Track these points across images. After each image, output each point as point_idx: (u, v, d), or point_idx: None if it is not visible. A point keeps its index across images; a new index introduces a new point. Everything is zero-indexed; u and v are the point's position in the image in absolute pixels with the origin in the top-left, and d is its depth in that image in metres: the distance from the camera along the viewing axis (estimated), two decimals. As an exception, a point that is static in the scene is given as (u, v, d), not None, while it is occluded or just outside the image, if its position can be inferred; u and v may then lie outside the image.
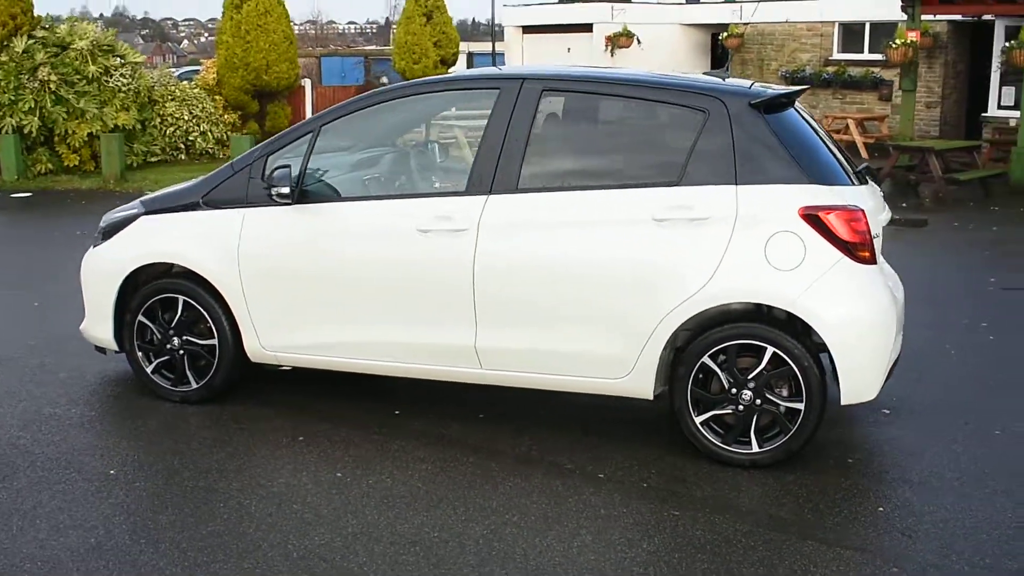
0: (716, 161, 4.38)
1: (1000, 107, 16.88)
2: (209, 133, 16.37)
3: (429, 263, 4.65)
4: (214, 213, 5.03)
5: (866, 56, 19.99)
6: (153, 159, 15.68)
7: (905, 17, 15.43)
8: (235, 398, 5.22)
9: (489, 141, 4.62)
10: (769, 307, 4.36)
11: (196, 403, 5.17)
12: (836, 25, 20.35)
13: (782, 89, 4.65)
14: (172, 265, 5.15)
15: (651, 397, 4.54)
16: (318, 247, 4.84)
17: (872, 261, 4.35)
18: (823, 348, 4.34)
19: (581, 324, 4.50)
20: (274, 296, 4.92)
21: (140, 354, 5.24)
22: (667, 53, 22.19)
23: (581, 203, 4.51)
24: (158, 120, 15.78)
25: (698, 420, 4.46)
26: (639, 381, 4.49)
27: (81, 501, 4.09)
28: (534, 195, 4.55)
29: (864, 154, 17.03)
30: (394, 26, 20.97)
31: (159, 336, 5.18)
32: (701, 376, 4.43)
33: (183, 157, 16.16)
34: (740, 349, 4.37)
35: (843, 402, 4.35)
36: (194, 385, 5.18)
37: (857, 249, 4.28)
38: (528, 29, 22.78)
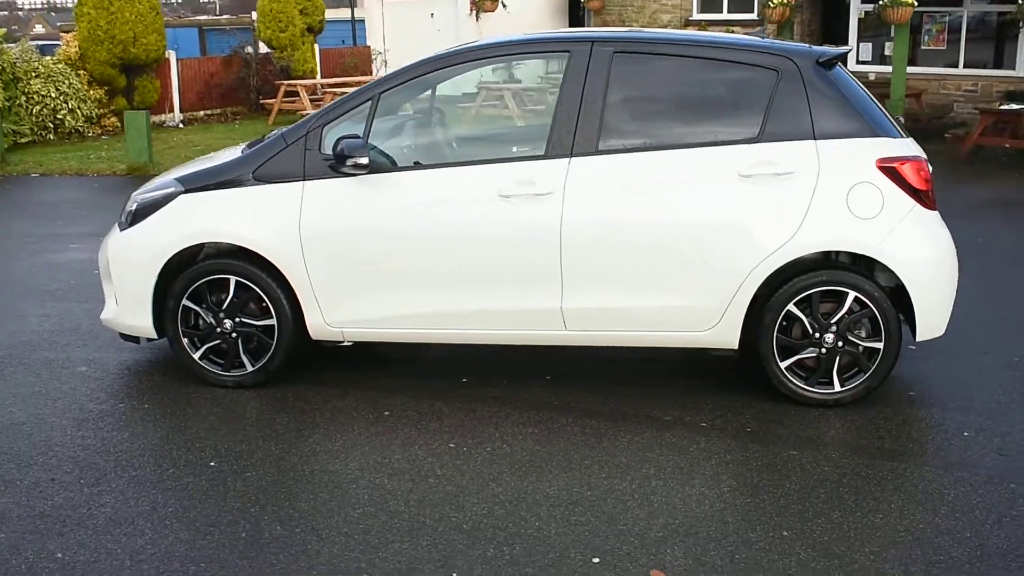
0: (792, 118, 4.56)
1: (859, 62, 17.99)
2: (78, 110, 15.30)
3: (513, 228, 4.63)
4: (268, 188, 4.81)
5: (725, 16, 20.82)
6: (23, 140, 14.52)
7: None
8: (284, 380, 5.04)
9: (565, 104, 4.63)
10: (852, 254, 4.60)
11: (250, 387, 4.97)
12: (695, -14, 21.07)
13: (838, 49, 4.88)
14: (218, 245, 4.90)
15: (735, 347, 4.71)
16: (390, 217, 4.72)
17: (935, 207, 4.66)
18: (895, 290, 4.63)
19: (669, 281, 4.61)
20: (341, 270, 4.77)
21: (186, 340, 4.97)
22: (532, 16, 22.36)
23: (665, 163, 4.59)
24: (23, 99, 14.61)
25: (783, 365, 4.67)
26: (725, 332, 4.65)
27: (202, 496, 3.88)
28: (617, 156, 4.61)
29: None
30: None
31: (208, 320, 4.92)
32: (785, 323, 4.64)
33: (52, 137, 15.05)
34: (823, 295, 4.60)
35: (918, 339, 4.66)
36: (249, 368, 4.96)
37: (925, 196, 4.58)
38: (389, -7, 22.37)
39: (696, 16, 21.24)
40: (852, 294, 4.56)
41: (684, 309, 4.64)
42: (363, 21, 23.90)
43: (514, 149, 4.78)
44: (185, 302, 4.91)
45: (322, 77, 19.92)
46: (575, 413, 4.67)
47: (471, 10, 21.03)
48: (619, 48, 4.69)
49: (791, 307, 4.59)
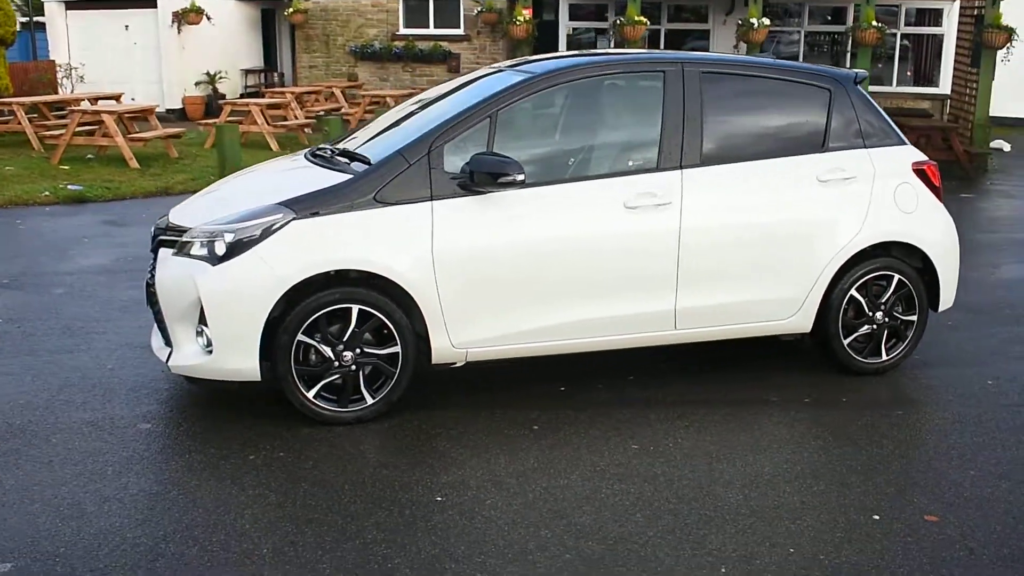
0: (846, 130, 5.33)
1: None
2: None
3: (638, 237, 4.92)
4: (394, 210, 4.66)
5: (432, 31, 21.56)
6: None
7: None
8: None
9: (671, 119, 5.02)
10: (896, 243, 5.45)
11: (368, 422, 4.77)
12: (400, 1, 21.56)
13: (863, 71, 5.72)
14: (341, 273, 4.63)
15: (809, 330, 5.39)
16: (519, 233, 4.79)
17: (942, 201, 5.68)
18: (919, 271, 5.56)
19: (764, 276, 5.17)
20: (471, 289, 4.75)
21: (298, 379, 4.65)
22: (233, 28, 21.57)
23: (758, 171, 5.15)
24: None
25: (845, 342, 5.42)
26: (803, 318, 5.31)
27: (408, 526, 3.80)
28: (719, 167, 5.08)
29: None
30: None
31: (325, 354, 4.64)
32: (846, 306, 5.39)
33: None
34: (876, 279, 5.41)
35: (940, 309, 5.64)
36: (370, 401, 4.75)
37: (940, 192, 5.57)
38: (73, 4, 20.37)
39: (403, 31, 21.77)
40: (897, 276, 5.43)
41: (776, 300, 5.22)
42: (43, 30, 21.51)
43: (630, 162, 5.05)
44: (300, 336, 4.60)
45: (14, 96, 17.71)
46: (686, 405, 5.06)
47: (174, 21, 19.83)
48: (705, 69, 5.16)
49: (853, 292, 5.36)
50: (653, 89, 5.09)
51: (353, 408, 4.74)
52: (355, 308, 4.64)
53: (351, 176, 4.76)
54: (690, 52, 5.81)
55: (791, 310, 5.27)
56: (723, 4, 18.64)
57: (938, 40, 18.83)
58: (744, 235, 5.10)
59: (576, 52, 5.73)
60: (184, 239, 4.75)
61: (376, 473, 4.26)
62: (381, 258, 4.62)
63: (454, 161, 4.76)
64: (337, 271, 4.62)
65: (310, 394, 4.68)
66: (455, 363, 4.93)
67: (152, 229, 5.21)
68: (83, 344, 5.93)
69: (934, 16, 18.64)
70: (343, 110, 18.80)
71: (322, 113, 17.95)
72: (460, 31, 21.41)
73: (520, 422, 4.81)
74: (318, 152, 5.51)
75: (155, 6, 19.87)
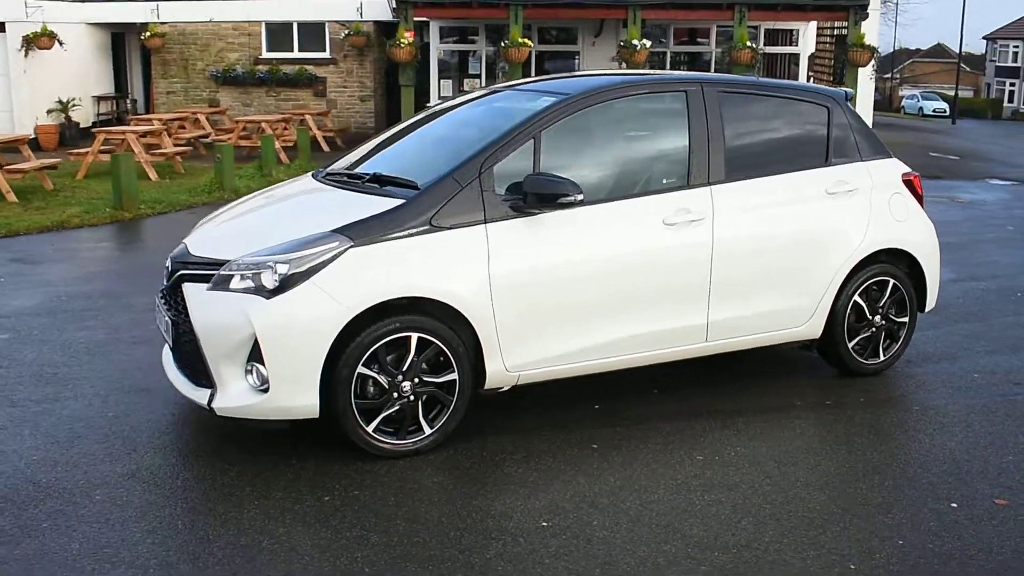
0: (844, 144, 5.64)
1: (440, 97, 19.63)
2: None
3: (677, 252, 5.04)
4: (450, 234, 4.58)
5: (296, 55, 21.13)
6: None
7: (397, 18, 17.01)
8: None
9: (697, 137, 5.17)
10: (892, 249, 5.78)
11: (425, 453, 4.65)
12: (263, 25, 21.04)
13: (849, 90, 6.06)
14: (400, 301, 4.51)
15: (818, 336, 5.64)
16: (569, 252, 4.81)
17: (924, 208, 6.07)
18: (908, 274, 5.92)
19: (782, 286, 5.39)
20: (526, 311, 4.72)
21: (359, 413, 4.48)
22: (82, 52, 20.44)
23: (776, 185, 5.37)
24: None
25: (851, 345, 5.71)
26: (814, 325, 5.56)
27: (532, 554, 3.76)
28: (742, 183, 5.26)
29: (325, 147, 18.20)
30: None
31: (383, 385, 4.50)
32: (849, 311, 5.69)
33: None
34: (874, 284, 5.74)
35: (926, 310, 6.02)
36: (427, 432, 4.64)
37: (922, 200, 5.96)
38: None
39: (265, 55, 21.27)
40: (892, 281, 5.77)
41: (794, 309, 5.45)
42: None
43: (663, 180, 5.15)
44: (360, 368, 4.44)
45: None
46: (726, 414, 5.21)
47: (22, 46, 18.60)
48: (722, 88, 5.35)
49: (856, 297, 5.66)
50: (678, 109, 5.22)
51: (411, 440, 4.61)
52: (414, 336, 4.52)
53: (402, 200, 4.64)
54: (701, 72, 5.99)
55: (805, 318, 5.50)
56: (592, 27, 19.18)
57: (794, 58, 20.02)
58: (767, 247, 5.31)
59: (586, 72, 5.88)
60: (223, 272, 4.50)
61: (468, 503, 4.17)
62: (442, 284, 4.53)
63: (501, 183, 4.73)
64: (398, 299, 4.49)
65: (370, 428, 4.52)
66: (502, 388, 4.89)
67: (168, 263, 4.91)
68: (66, 391, 5.49)
69: (789, 36, 19.83)
70: (212, 137, 18.16)
71: (190, 140, 17.28)
72: (326, 54, 21.13)
73: (578, 442, 4.81)
74: (333, 175, 5.36)
75: (3, 30, 18.58)
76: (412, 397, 4.57)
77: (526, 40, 15.70)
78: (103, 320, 6.95)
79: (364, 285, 4.42)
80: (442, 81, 19.87)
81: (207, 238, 4.97)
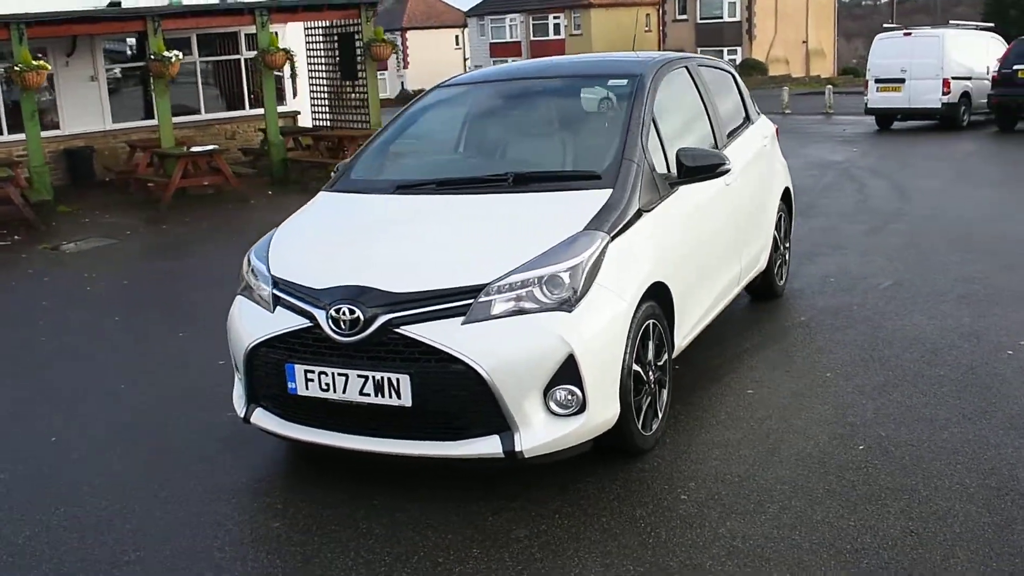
0: (745, 105, 6.67)
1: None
2: None
3: (733, 207, 5.67)
4: (651, 216, 4.57)
5: None
6: None
7: None
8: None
9: (709, 105, 5.78)
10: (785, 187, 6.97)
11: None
12: None
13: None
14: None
15: (764, 269, 6.64)
16: (702, 220, 5.17)
17: None
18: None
19: (762, 226, 6.38)
20: (688, 282, 4.89)
21: (635, 410, 4.30)
22: None
23: (746, 142, 6.21)
24: None
25: (775, 272, 6.85)
26: (764, 259, 6.52)
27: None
28: (733, 143, 5.97)
29: None
30: None
31: (641, 377, 4.34)
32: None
33: None
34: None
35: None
36: (660, 417, 4.58)
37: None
38: None
39: None
40: (783, 214, 7.01)
41: (763, 246, 6.36)
42: None
43: (707, 145, 5.51)
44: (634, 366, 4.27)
45: None
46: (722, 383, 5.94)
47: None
48: (697, 63, 6.01)
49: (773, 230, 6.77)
50: (688, 81, 5.72)
51: (651, 432, 4.48)
52: (651, 323, 4.45)
53: (608, 190, 4.46)
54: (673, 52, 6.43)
55: (764, 254, 6.45)
56: (63, 45, 17.00)
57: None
58: (756, 194, 6.15)
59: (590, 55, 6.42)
60: (481, 300, 3.92)
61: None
62: (661, 266, 4.54)
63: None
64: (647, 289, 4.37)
65: (639, 425, 4.35)
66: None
67: (323, 313, 4.03)
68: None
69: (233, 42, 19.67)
70: None
71: None
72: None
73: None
74: (415, 184, 4.96)
75: None
76: (655, 384, 4.50)
77: (42, 62, 13.54)
78: None
79: (630, 278, 4.26)
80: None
81: (388, 272, 4.10)
